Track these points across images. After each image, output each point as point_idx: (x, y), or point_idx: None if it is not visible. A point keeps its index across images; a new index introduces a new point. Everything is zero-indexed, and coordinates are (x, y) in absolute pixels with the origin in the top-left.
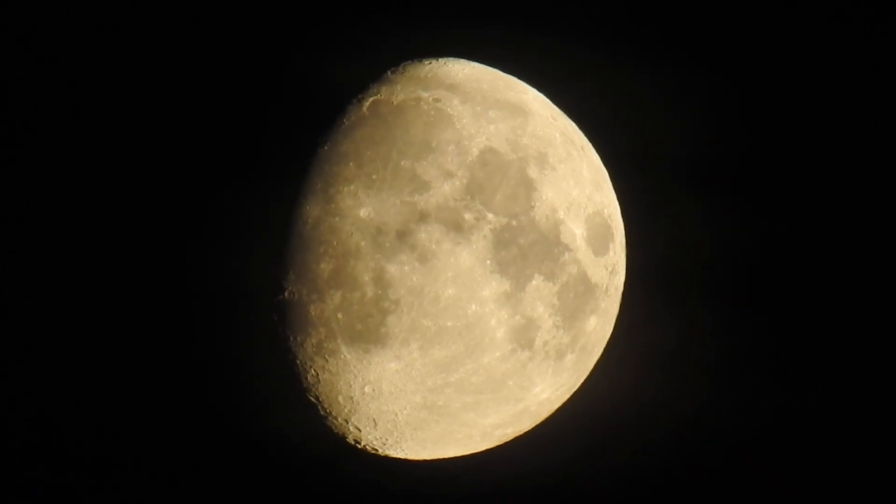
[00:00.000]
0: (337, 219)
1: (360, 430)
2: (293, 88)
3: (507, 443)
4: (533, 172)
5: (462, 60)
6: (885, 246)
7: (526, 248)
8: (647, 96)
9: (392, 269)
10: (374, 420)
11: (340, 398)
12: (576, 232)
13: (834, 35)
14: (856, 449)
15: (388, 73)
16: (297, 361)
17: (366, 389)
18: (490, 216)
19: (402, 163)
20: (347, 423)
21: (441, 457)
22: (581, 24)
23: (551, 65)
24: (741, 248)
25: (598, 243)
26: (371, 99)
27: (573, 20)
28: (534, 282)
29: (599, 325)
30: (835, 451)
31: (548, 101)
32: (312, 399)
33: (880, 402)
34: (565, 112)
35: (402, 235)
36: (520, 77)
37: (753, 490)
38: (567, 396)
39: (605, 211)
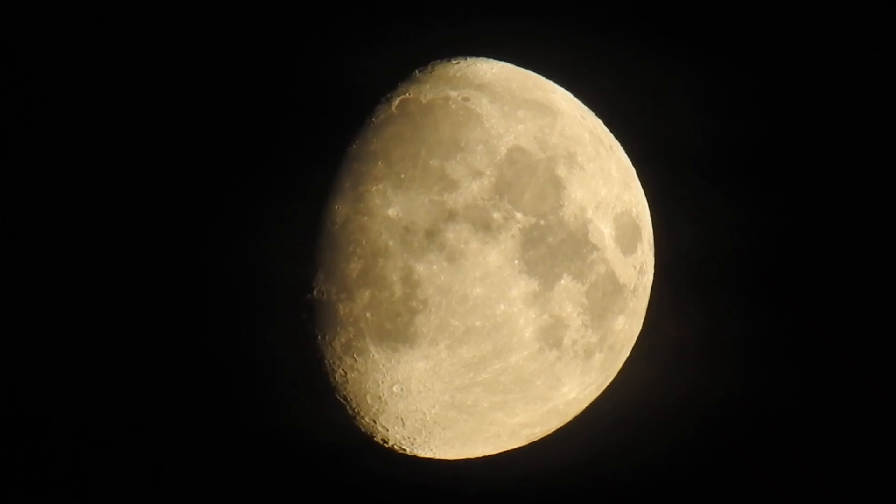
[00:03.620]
0: (366, 218)
1: (388, 430)
2: (321, 87)
3: (534, 442)
4: (561, 172)
5: (490, 60)
6: None
7: (554, 248)
8: (673, 93)
9: (420, 269)
10: (402, 419)
11: (369, 397)
12: (604, 231)
13: (860, 27)
14: (884, 441)
15: (417, 72)
16: (326, 360)
17: (394, 389)
18: (518, 215)
19: (431, 162)
20: (375, 422)
21: (469, 456)
22: (609, 23)
23: (579, 64)
24: (767, 242)
25: (627, 243)
26: (400, 98)
27: (601, 19)
28: (562, 281)
29: (628, 325)
30: (862, 445)
31: (576, 100)
32: (340, 398)
33: None
34: (593, 111)
35: (431, 235)
36: (548, 76)
37: (781, 482)
38: (595, 396)
39: (634, 210)
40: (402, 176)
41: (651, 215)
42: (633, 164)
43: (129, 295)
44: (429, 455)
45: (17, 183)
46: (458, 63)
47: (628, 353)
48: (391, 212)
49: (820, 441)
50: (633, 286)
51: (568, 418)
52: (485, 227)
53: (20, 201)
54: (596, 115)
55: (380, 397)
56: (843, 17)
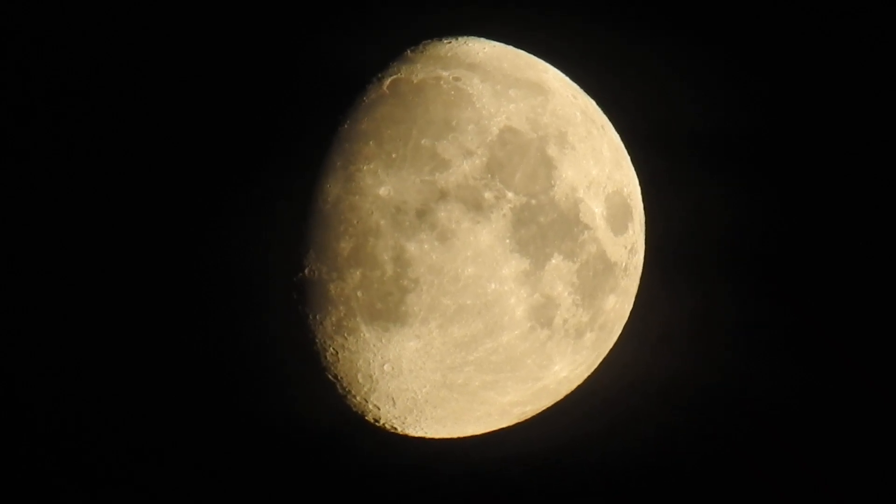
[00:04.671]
0: (357, 197)
1: (379, 409)
2: (313, 67)
3: (525, 421)
4: (553, 151)
5: (482, 39)
6: None
7: (545, 227)
8: (665, 73)
9: (412, 248)
10: (393, 398)
11: (360, 376)
12: (595, 211)
13: (856, 18)
14: (876, 423)
15: (408, 51)
16: (317, 340)
17: (385, 368)
18: (510, 195)
19: (422, 141)
20: (367, 401)
21: (460, 435)
22: (602, 3)
23: (571, 43)
24: (758, 223)
25: (618, 222)
26: (391, 78)
27: (596, 1)
28: (553, 260)
29: (619, 304)
30: (854, 426)
31: (568, 79)
32: (332, 377)
33: None
34: (585, 90)
35: (422, 214)
36: (540, 56)
37: (772, 464)
38: (586, 375)
39: (625, 190)
40: (394, 155)
41: (642, 195)
42: (625, 144)
43: (121, 283)
44: (420, 434)
45: (16, 183)
46: (450, 42)
47: (619, 333)
48: (382, 191)
49: (807, 423)
50: (624, 265)
51: (559, 397)
52: (476, 207)
53: (19, 201)
54: (588, 94)
55: (371, 376)
56: (839, 7)
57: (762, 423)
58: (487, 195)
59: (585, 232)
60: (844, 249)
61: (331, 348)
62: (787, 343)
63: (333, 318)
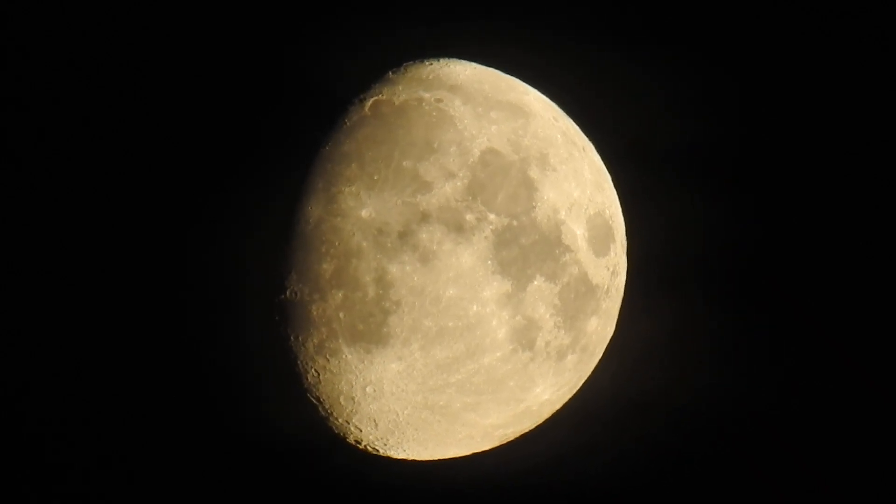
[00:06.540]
0: (339, 219)
1: (361, 431)
2: (295, 88)
3: (508, 443)
4: (534, 173)
5: (464, 61)
6: (881, 235)
7: (527, 249)
8: (646, 94)
9: (393, 270)
10: (375, 420)
11: (342, 398)
12: (577, 232)
13: (830, 28)
14: (853, 439)
15: (390, 73)
16: (299, 361)
17: (367, 390)
18: (491, 217)
19: (404, 163)
20: (349, 423)
21: (442, 457)
22: (582, 24)
23: (552, 65)
24: (738, 241)
25: (600, 244)
26: (373, 99)
27: (575, 21)
28: (535, 282)
29: (600, 326)
30: (833, 441)
31: (549, 101)
32: (313, 399)
33: (877, 390)
34: (566, 112)
35: (404, 236)
36: (521, 78)
37: (755, 480)
38: (568, 397)
39: (607, 212)
40: (375, 177)
41: (623, 216)
42: (606, 165)
43: (102, 297)
44: (402, 456)
45: None
46: (432, 64)
47: (601, 355)
48: (364, 213)
49: (789, 438)
50: (605, 287)
51: (541, 419)
52: (458, 229)
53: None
54: (569, 116)
55: (353, 398)
56: (816, 17)
57: (745, 439)
58: (469, 217)
59: (567, 254)
60: (824, 263)
61: (312, 370)
62: (768, 358)
63: (315, 340)
